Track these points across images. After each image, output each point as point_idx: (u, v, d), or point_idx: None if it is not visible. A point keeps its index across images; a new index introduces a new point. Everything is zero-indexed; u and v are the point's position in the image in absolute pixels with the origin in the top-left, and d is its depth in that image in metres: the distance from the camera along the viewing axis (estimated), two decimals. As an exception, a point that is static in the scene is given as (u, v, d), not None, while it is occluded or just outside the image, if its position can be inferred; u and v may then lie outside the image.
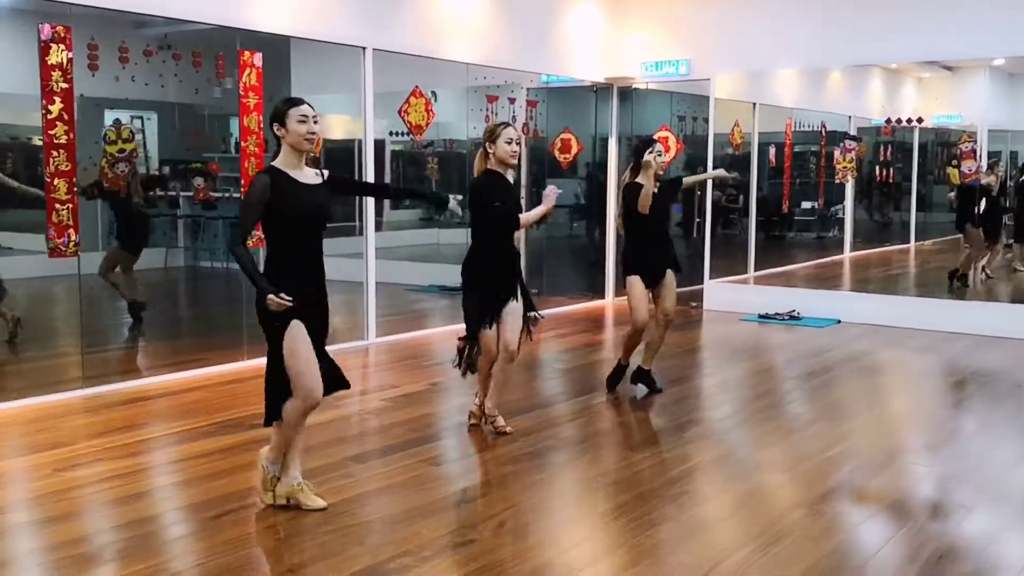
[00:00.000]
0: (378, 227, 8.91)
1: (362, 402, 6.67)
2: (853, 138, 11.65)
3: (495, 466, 5.21)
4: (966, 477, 5.13)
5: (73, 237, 6.30)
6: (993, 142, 11.37)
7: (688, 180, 7.28)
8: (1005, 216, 11.31)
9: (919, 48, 9.75)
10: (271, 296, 4.03)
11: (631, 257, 6.49)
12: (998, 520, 4.52)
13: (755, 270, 11.59)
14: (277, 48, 8.84)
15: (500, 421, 5.64)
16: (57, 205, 6.23)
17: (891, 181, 12.43)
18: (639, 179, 6.28)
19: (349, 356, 8.02)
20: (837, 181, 11.83)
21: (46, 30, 6.07)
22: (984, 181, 10.62)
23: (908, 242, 13.28)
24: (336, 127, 12.42)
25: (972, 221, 10.80)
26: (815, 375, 7.57)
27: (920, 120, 11.42)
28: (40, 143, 6.24)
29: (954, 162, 10.72)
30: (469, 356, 5.69)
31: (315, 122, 4.25)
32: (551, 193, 5.58)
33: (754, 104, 11.57)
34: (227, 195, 10.53)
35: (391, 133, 11.99)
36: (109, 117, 8.48)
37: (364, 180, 4.52)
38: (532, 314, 5.70)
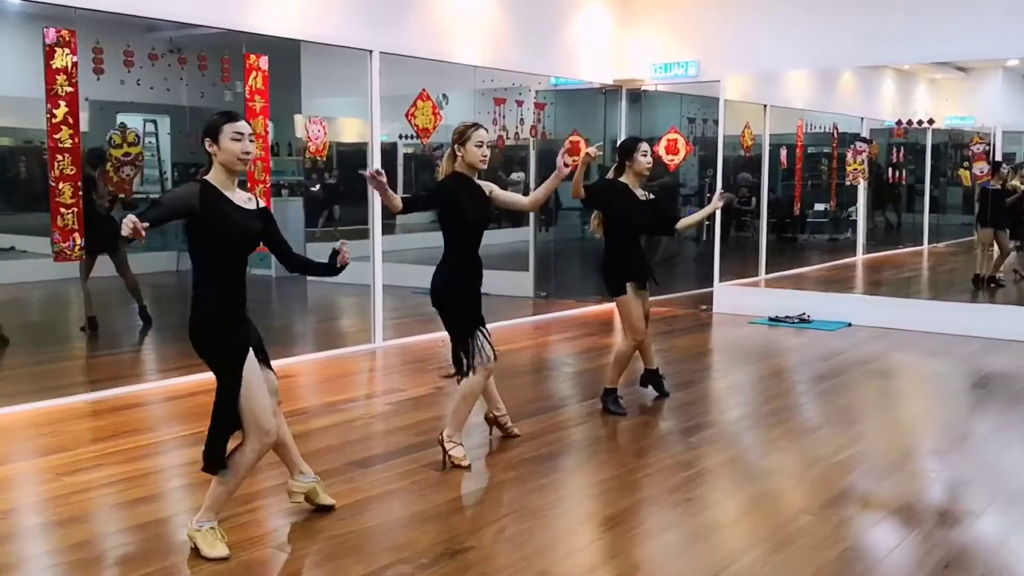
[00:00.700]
0: (390, 230, 8.89)
1: (367, 406, 6.65)
2: (864, 140, 11.59)
3: (498, 471, 5.17)
4: (976, 482, 5.06)
5: (78, 241, 6.30)
6: (1008, 143, 11.28)
7: (685, 222, 6.46)
8: None
9: (932, 49, 9.61)
10: (133, 219, 3.36)
11: (618, 270, 6.12)
12: (1007, 526, 4.46)
13: (766, 273, 11.50)
14: (286, 52, 8.83)
15: (509, 423, 5.62)
16: (62, 209, 6.23)
17: (903, 183, 12.34)
18: (623, 179, 6.12)
19: (356, 359, 8.03)
20: (848, 183, 11.77)
21: (51, 34, 6.07)
22: (1011, 183, 10.54)
23: (921, 244, 13.19)
24: (347, 130, 12.44)
25: (999, 223, 10.70)
26: (825, 379, 7.49)
27: (931, 121, 11.31)
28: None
29: (966, 163, 10.63)
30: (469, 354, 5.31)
31: (251, 141, 3.82)
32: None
33: (765, 106, 11.50)
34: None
35: (401, 136, 11.99)
36: (121, 121, 8.47)
37: (286, 244, 4.24)
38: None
